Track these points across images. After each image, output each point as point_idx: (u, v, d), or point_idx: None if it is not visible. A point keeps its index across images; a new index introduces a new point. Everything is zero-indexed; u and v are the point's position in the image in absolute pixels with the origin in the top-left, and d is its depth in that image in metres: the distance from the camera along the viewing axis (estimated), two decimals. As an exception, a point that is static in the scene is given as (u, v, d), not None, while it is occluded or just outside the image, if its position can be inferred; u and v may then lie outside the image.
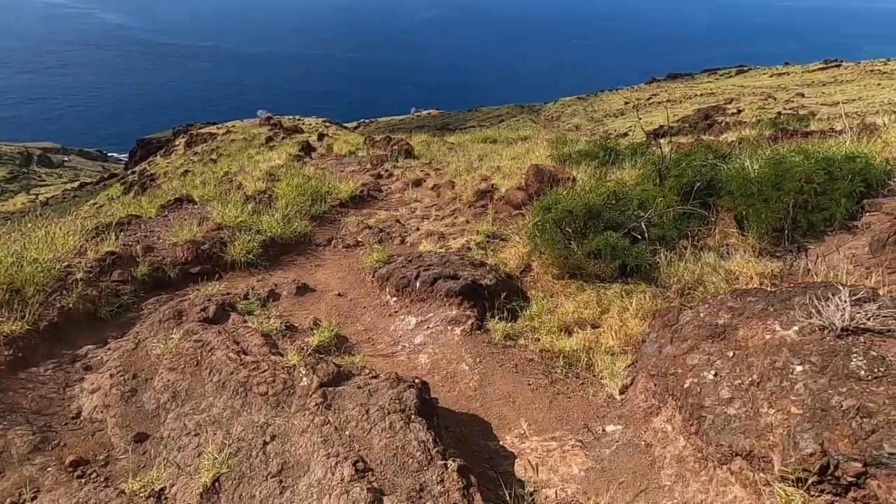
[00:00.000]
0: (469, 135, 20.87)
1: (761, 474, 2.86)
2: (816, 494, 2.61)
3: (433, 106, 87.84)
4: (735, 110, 40.73)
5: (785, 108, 36.70)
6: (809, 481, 2.62)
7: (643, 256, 6.12)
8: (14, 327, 4.71)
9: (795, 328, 3.32)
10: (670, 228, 6.71)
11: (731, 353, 3.47)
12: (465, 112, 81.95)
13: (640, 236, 6.49)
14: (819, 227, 6.69)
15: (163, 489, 3.25)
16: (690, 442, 3.34)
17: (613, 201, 7.09)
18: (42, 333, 4.91)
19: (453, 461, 2.92)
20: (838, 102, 33.40)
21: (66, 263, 5.83)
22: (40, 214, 8.60)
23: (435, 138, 19.47)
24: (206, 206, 8.29)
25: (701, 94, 57.74)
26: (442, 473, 2.81)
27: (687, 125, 32.40)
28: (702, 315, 3.94)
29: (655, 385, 3.91)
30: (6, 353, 4.52)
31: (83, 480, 3.49)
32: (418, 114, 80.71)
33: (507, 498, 2.77)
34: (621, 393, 4.28)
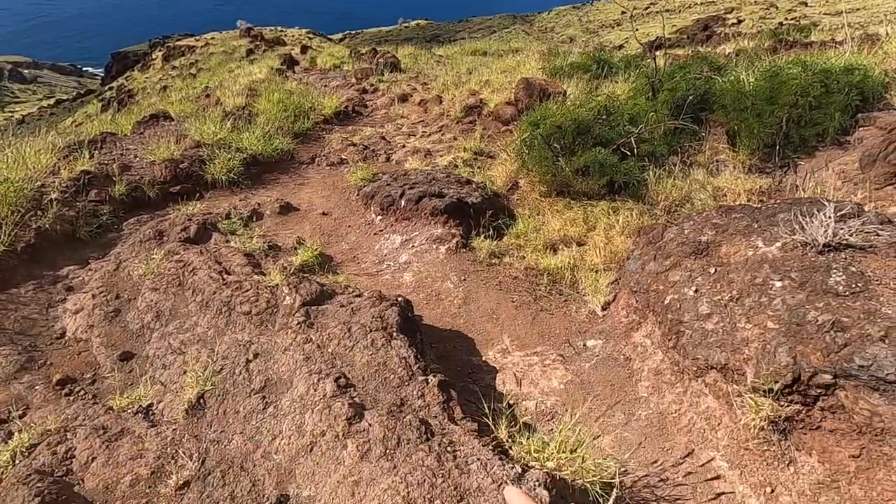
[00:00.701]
0: (458, 47, 19.99)
1: (734, 386, 2.93)
2: (785, 404, 2.69)
3: (422, 16, 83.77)
4: (735, 20, 39.13)
5: (787, 18, 35.30)
6: (778, 390, 2.69)
7: (632, 173, 6.02)
8: (-10, 249, 4.62)
9: (778, 244, 3.31)
10: (660, 144, 6.57)
11: (712, 270, 3.47)
12: (455, 23, 78.34)
13: (629, 152, 6.36)
14: (811, 143, 6.58)
15: (150, 406, 3.30)
16: (668, 356, 3.41)
17: (604, 116, 6.89)
18: (20, 255, 4.83)
19: (434, 376, 2.96)
20: (842, 12, 32.09)
21: (39, 183, 5.66)
22: (16, 133, 8.28)
23: (423, 51, 18.65)
24: (183, 123, 7.99)
25: (701, 3, 55.20)
26: (423, 388, 2.86)
27: (685, 36, 31.18)
28: (686, 232, 3.91)
29: (637, 301, 3.94)
30: (-16, 274, 4.46)
31: (71, 398, 3.54)
32: (406, 25, 77.13)
33: (487, 410, 2.83)
34: (603, 309, 4.33)
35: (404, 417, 2.60)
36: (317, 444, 2.54)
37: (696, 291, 3.40)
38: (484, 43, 21.15)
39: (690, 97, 6.82)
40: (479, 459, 2.37)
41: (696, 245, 3.70)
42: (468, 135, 8.48)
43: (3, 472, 2.87)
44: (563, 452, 2.55)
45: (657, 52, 12.33)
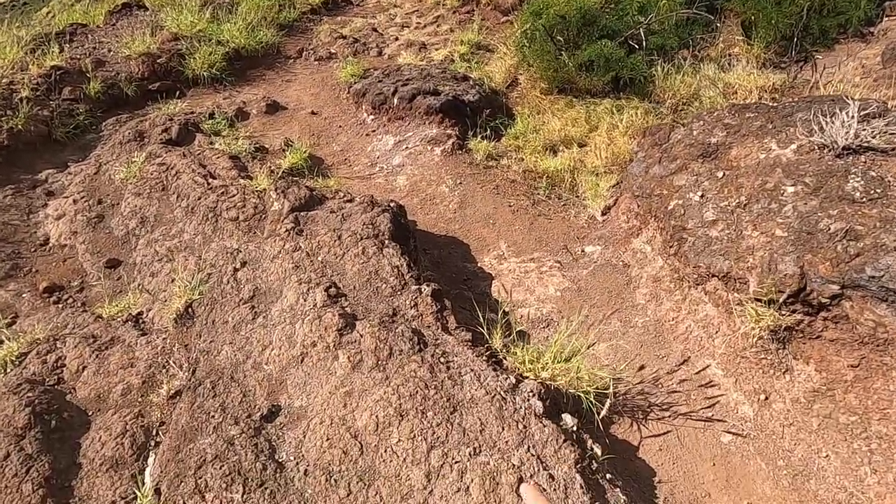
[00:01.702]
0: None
1: (735, 294, 2.86)
2: (787, 314, 2.62)
3: None
4: None
5: None
6: (781, 301, 2.62)
7: (638, 68, 5.64)
8: (-39, 151, 4.39)
9: (793, 147, 3.11)
10: (671, 37, 6.12)
11: (720, 174, 3.29)
12: None
13: (637, 45, 5.94)
14: (832, 35, 6.15)
15: (139, 314, 3.25)
16: (668, 263, 3.31)
17: (612, 5, 6.37)
18: (-6, 158, 4.60)
19: (427, 285, 2.88)
20: None
21: (7, 80, 5.29)
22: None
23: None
24: (158, 14, 7.40)
25: None
26: (416, 298, 2.78)
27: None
28: (695, 133, 3.68)
29: (639, 206, 3.79)
30: (-42, 179, 4.26)
31: (60, 306, 3.48)
32: None
33: (482, 320, 2.77)
34: (603, 214, 4.19)
35: (397, 328, 2.54)
36: (308, 355, 2.49)
37: (702, 196, 3.24)
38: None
39: (707, -17, 6.26)
40: (472, 370, 2.32)
41: (705, 147, 3.49)
42: (465, 26, 7.91)
43: (-5, 381, 2.86)
44: (558, 362, 2.52)
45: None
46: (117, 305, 3.38)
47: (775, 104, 3.62)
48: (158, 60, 6.22)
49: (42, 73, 5.53)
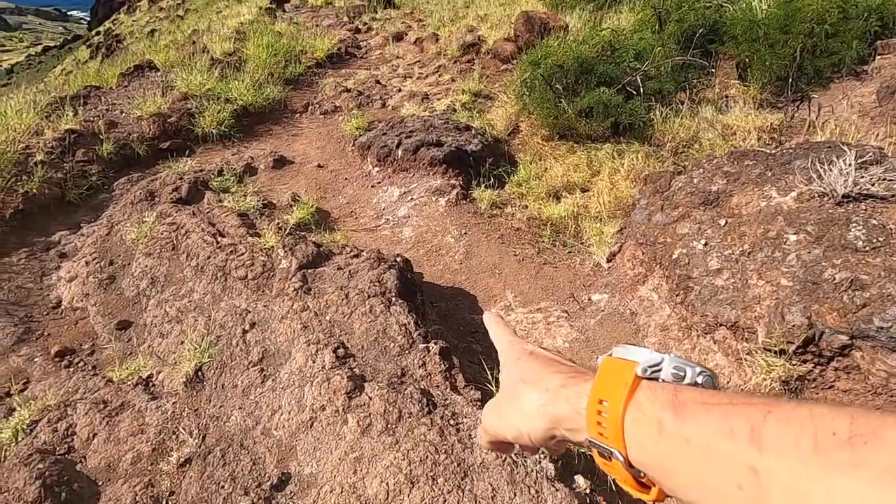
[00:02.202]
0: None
1: (745, 344, 2.85)
2: (798, 364, 2.60)
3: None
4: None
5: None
6: (791, 351, 2.61)
7: (637, 113, 5.75)
8: (-23, 217, 4.50)
9: (793, 194, 3.14)
10: (667, 81, 6.25)
11: (723, 222, 3.32)
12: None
13: (635, 91, 6.07)
14: (826, 74, 6.26)
15: (149, 377, 3.26)
16: (676, 311, 3.31)
17: (608, 53, 6.54)
18: (9, 221, 4.71)
19: (435, 343, 2.89)
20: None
21: (23, 145, 5.46)
22: (7, 83, 7.97)
23: (417, -17, 17.73)
24: (169, 73, 7.66)
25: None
26: (424, 357, 2.78)
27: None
28: (695, 181, 3.73)
29: (643, 254, 3.81)
30: (-26, 244, 4.35)
31: (71, 370, 3.50)
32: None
33: (490, 377, 2.77)
34: (608, 261, 4.21)
35: (405, 389, 2.54)
36: (317, 420, 2.49)
37: (705, 245, 3.27)
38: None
39: (700, 29, 6.43)
40: (482, 433, 2.31)
41: (706, 195, 3.53)
42: (466, 75, 8.12)
43: (5, 450, 2.86)
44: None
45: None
46: (127, 368, 3.40)
47: (773, 151, 3.68)
48: (169, 120, 6.41)
49: (57, 137, 5.70)
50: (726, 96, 6.39)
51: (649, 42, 6.57)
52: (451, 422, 2.37)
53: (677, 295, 3.29)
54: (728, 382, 2.89)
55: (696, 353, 3.08)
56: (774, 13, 6.10)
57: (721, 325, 2.95)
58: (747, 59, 6.30)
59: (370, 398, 2.51)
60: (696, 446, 0.44)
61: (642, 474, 0.51)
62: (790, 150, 3.54)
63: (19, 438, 2.91)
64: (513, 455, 2.20)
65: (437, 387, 2.64)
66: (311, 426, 2.49)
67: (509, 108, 6.79)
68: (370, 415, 2.44)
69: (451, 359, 2.83)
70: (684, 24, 6.69)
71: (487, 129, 6.30)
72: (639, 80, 6.04)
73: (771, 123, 5.47)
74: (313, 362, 2.79)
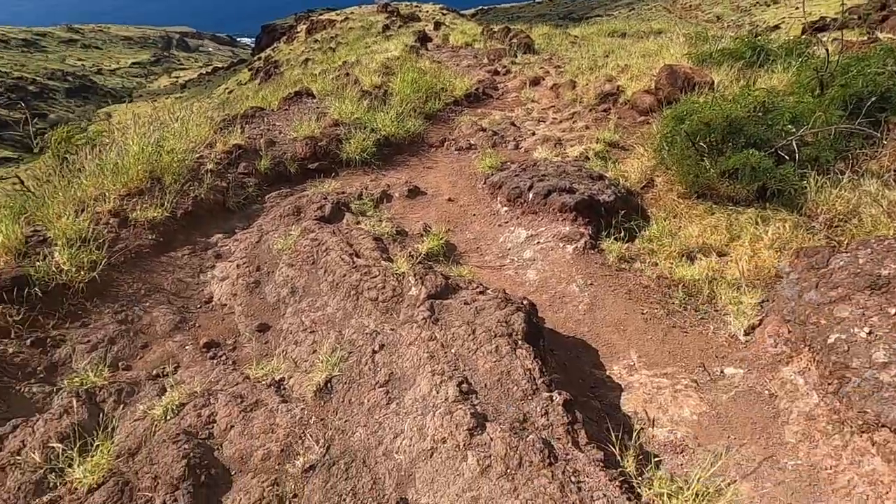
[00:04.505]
0: (595, 27, 19.15)
1: (910, 452, 2.53)
2: (981, 487, 2.26)
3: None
4: (925, -2, 33.73)
5: None
6: (973, 470, 2.27)
7: (789, 180, 5.39)
8: (156, 214, 5.12)
9: None
10: (826, 149, 5.81)
11: (893, 311, 3.00)
12: (591, -1, 75.08)
13: (787, 156, 5.70)
14: None
15: (282, 380, 3.50)
16: (826, 402, 3.01)
17: (760, 113, 6.22)
18: (179, 221, 5.31)
19: (559, 394, 2.84)
20: None
21: (198, 155, 6.17)
22: (180, 97, 9.11)
23: (557, 30, 18.05)
24: (324, 101, 8.35)
25: (881, -23, 48.21)
26: (547, 406, 2.75)
27: (856, 17, 27.40)
28: (861, 261, 3.41)
29: (790, 332, 3.53)
30: (150, 237, 4.95)
31: (214, 361, 3.84)
32: (539, 1, 75.21)
33: (613, 438, 2.67)
34: (746, 334, 3.93)
35: (527, 436, 2.52)
36: (437, 451, 2.53)
37: (870, 334, 2.96)
38: (622, 23, 20.08)
39: (872, 98, 5.95)
40: (605, 496, 2.23)
41: (874, 279, 3.22)
42: (601, 124, 8.08)
43: (156, 425, 3.18)
44: (701, 501, 2.34)
45: (824, 37, 10.94)
46: (263, 368, 3.67)
47: (960, 238, 3.28)
48: (319, 143, 6.96)
49: (225, 150, 6.39)
50: (895, 170, 5.81)
51: (808, 106, 6.17)
52: (573, 478, 2.31)
53: (830, 384, 3.00)
54: (888, 494, 2.56)
55: (849, 452, 2.78)
56: (963, 85, 5.52)
57: (884, 425, 2.64)
58: (925, 132, 5.72)
59: (491, 439, 2.52)
60: None
61: None
62: (982, 241, 3.15)
63: (168, 417, 3.23)
64: (637, 527, 2.10)
65: (559, 439, 2.59)
66: (431, 456, 2.53)
67: (645, 161, 6.64)
68: (490, 456, 2.44)
69: (574, 412, 2.77)
70: (850, 89, 6.23)
71: (621, 180, 6.20)
72: (794, 145, 5.68)
73: (950, 204, 4.89)
74: (437, 393, 2.85)
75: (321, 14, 42.83)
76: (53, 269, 4.19)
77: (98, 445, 2.98)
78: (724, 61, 9.18)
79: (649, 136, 7.09)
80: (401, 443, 2.64)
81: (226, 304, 4.50)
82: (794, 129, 5.83)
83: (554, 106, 9.51)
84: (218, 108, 8.39)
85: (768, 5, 54.02)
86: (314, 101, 8.67)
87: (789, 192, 5.43)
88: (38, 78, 57.30)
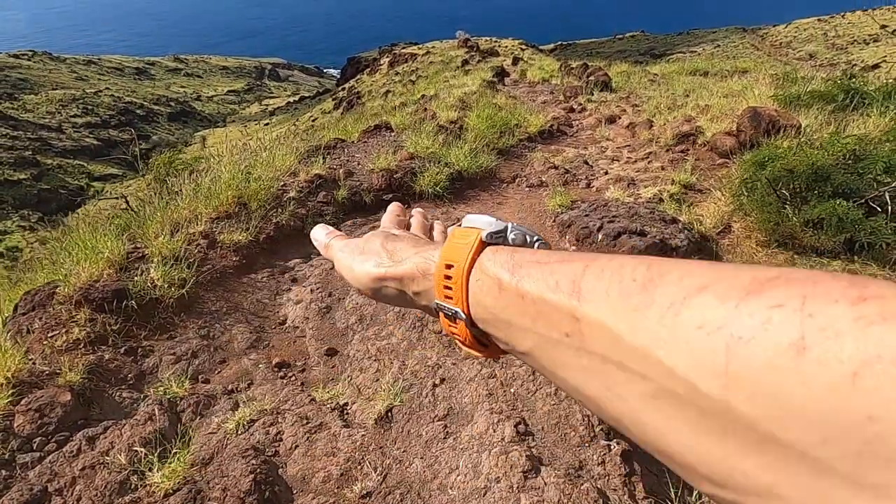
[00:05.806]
0: (675, 65, 18.85)
1: None
2: None
3: (638, 28, 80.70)
4: None
5: None
6: None
7: (880, 233, 5.10)
8: (241, 237, 5.48)
9: None
10: (924, 202, 5.46)
11: None
12: (673, 35, 74.03)
13: (879, 208, 5.39)
14: None
15: (345, 405, 3.64)
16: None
17: (850, 161, 5.93)
18: (261, 244, 5.66)
19: (617, 443, 2.81)
20: None
21: (282, 183, 6.57)
22: (268, 123, 9.74)
23: (636, 68, 17.96)
24: (401, 135, 8.68)
25: None
26: (604, 455, 2.73)
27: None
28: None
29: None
30: (234, 258, 5.30)
31: (284, 381, 4.04)
32: (620, 37, 74.91)
33: (672, 493, 2.60)
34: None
35: (582, 484, 2.51)
36: (490, 490, 2.56)
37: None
38: (705, 61, 19.65)
39: (979, 148, 5.56)
40: (659, 555, 2.18)
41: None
42: (678, 165, 7.93)
43: (227, 438, 3.38)
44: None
45: (930, 81, 10.27)
46: (329, 392, 3.83)
47: None
48: (395, 175, 7.23)
49: (307, 179, 6.77)
50: None
51: (906, 155, 5.83)
52: (627, 533, 2.28)
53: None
54: None
55: None
56: None
57: None
58: None
59: (545, 483, 2.53)
60: (530, 300, 0.49)
61: (484, 335, 0.56)
62: None
63: (239, 432, 3.43)
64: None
65: (615, 490, 2.56)
66: (484, 495, 2.57)
67: (722, 206, 6.46)
68: (543, 500, 2.45)
69: (632, 463, 2.73)
70: (955, 139, 5.85)
71: (695, 224, 6.05)
72: (886, 196, 5.37)
73: None
74: (493, 431, 2.89)
75: (404, 48, 44.60)
76: (149, 284, 4.58)
77: (176, 453, 3.20)
78: (814, 104, 8.82)
79: (728, 180, 6.91)
80: (455, 478, 2.69)
81: (298, 327, 4.73)
82: (888, 180, 5.52)
83: (629, 145, 9.43)
84: (304, 133, 8.90)
85: (867, 43, 51.32)
86: (392, 133, 9.03)
87: (880, 245, 5.14)
88: (145, 103, 62.68)
